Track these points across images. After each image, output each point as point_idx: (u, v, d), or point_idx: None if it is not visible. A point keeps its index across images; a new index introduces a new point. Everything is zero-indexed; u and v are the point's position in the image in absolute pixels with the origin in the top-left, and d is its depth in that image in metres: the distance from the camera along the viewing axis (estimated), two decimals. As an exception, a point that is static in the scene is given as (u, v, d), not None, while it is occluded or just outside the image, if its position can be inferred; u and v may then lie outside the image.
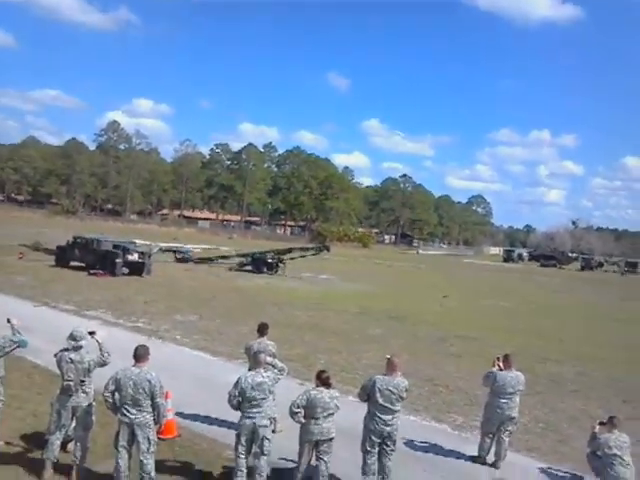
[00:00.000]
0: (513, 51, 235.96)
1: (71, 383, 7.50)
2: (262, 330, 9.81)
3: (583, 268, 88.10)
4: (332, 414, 7.83)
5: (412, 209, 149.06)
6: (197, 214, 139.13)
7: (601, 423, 8.05)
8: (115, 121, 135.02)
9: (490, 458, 9.30)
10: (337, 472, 8.08)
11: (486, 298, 34.55)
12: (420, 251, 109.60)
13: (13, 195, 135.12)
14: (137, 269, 29.91)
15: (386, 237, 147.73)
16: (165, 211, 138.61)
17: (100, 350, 7.78)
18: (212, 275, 33.92)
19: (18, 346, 3.34)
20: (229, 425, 9.31)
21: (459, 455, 9.55)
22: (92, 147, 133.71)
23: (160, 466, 7.58)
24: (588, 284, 57.28)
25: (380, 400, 7.86)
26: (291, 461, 8.17)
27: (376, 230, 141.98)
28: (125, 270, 29.59)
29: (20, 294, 21.16)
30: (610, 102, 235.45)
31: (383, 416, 7.89)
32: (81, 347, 7.68)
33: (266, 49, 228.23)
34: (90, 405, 7.68)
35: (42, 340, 13.62)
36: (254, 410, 7.54)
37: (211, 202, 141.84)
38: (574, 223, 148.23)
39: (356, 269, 48.78)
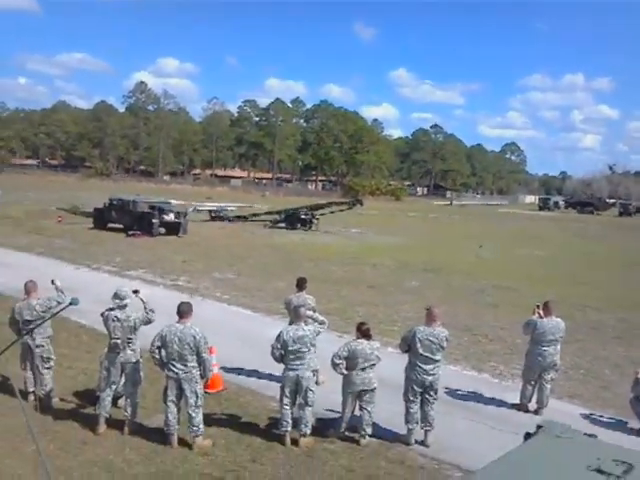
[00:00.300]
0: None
1: (118, 341, 7.72)
2: (301, 285, 9.91)
3: (621, 214, 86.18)
4: (373, 365, 7.95)
5: (444, 160, 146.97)
6: (229, 172, 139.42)
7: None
8: (142, 82, 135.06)
9: (532, 405, 9.36)
10: (380, 421, 8.23)
11: (522, 247, 34.19)
12: (454, 202, 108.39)
13: (47, 160, 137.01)
14: (174, 229, 30.29)
15: (418, 189, 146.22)
16: (197, 171, 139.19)
17: (144, 308, 7.97)
18: (247, 233, 34.16)
19: (70, 304, 3.44)
20: (272, 378, 9.53)
21: (500, 403, 9.62)
22: (121, 109, 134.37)
23: (208, 419, 7.81)
24: (626, 230, 56.20)
25: (421, 350, 7.92)
26: (335, 411, 8.33)
27: (408, 182, 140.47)
28: (162, 230, 29.99)
29: (61, 257, 21.66)
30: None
31: (424, 366, 7.97)
32: (126, 306, 7.88)
33: (290, 0, 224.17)
34: (137, 362, 7.91)
35: (86, 301, 13.88)
36: (297, 362, 7.70)
37: (242, 160, 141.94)
38: (611, 168, 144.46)
39: (389, 222, 48.61)
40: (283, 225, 38.01)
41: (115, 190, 56.22)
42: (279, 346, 7.74)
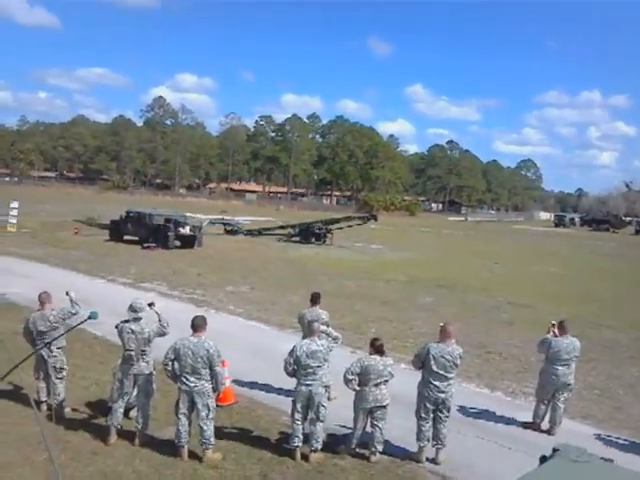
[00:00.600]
0: (559, 9, 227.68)
1: (132, 353, 7.77)
2: (314, 299, 9.92)
3: (638, 232, 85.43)
4: (386, 381, 7.94)
5: (459, 175, 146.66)
6: (244, 186, 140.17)
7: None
8: (161, 97, 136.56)
9: (545, 425, 9.27)
10: (392, 438, 8.19)
11: (537, 264, 33.99)
12: (469, 218, 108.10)
13: (65, 172, 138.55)
14: (189, 242, 30.49)
15: (433, 205, 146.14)
16: (213, 184, 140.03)
17: (159, 321, 8.02)
18: (261, 246, 34.27)
19: (90, 317, 3.48)
20: (284, 392, 9.52)
21: (512, 421, 9.54)
22: (139, 123, 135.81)
23: (219, 432, 7.83)
24: (644, 248, 55.67)
25: (434, 367, 7.90)
26: (347, 427, 8.31)
27: (423, 198, 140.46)
28: (177, 243, 30.19)
29: (77, 268, 21.83)
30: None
31: (437, 383, 7.93)
32: (141, 318, 7.93)
33: (305, 16, 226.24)
34: (151, 374, 7.95)
35: (101, 312, 14.01)
36: (309, 378, 7.70)
37: (257, 174, 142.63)
38: (627, 185, 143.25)
39: (404, 238, 48.55)
40: (297, 239, 38.07)
41: (132, 203, 56.68)
42: (292, 361, 7.76)
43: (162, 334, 7.99)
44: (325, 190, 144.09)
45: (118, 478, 6.82)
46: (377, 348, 8.06)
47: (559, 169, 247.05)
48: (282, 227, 40.33)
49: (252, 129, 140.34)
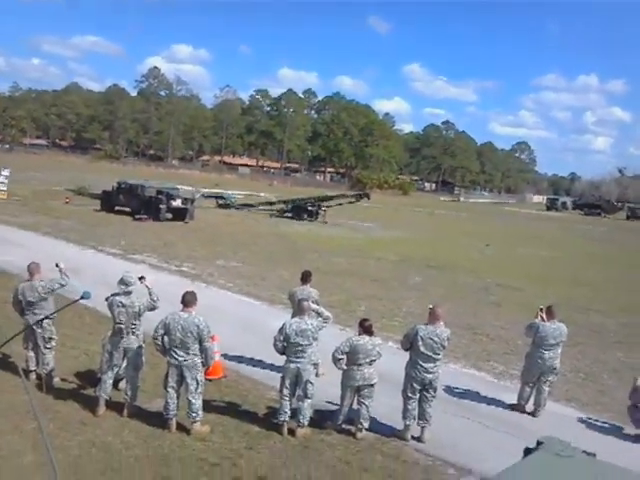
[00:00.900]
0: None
1: (122, 326, 7.79)
2: (305, 278, 9.96)
3: (629, 217, 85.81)
4: (374, 360, 8.01)
5: (454, 156, 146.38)
6: (237, 160, 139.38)
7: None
8: (156, 67, 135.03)
9: (529, 407, 9.39)
10: (378, 415, 8.28)
11: (528, 247, 34.16)
12: (461, 199, 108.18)
13: (58, 141, 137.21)
14: (180, 214, 30.38)
15: (426, 185, 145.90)
16: (206, 157, 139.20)
17: (150, 295, 8.03)
18: (253, 221, 34.24)
19: (82, 297, 3.48)
20: (273, 367, 9.60)
21: (498, 403, 9.65)
22: (133, 93, 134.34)
23: (207, 405, 7.89)
24: (634, 233, 56.05)
25: (422, 348, 7.97)
26: (334, 404, 8.39)
27: (416, 177, 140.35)
28: (169, 215, 30.08)
29: (67, 237, 21.76)
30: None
31: (425, 364, 8.01)
32: (131, 292, 7.94)
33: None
34: (140, 347, 7.99)
35: (90, 282, 14.05)
36: (298, 355, 7.76)
37: (251, 148, 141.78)
38: (621, 171, 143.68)
39: (396, 217, 48.60)
40: (289, 215, 38.03)
41: (124, 173, 56.34)
42: (282, 338, 7.81)
43: (152, 308, 8.01)
44: (319, 167, 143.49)
45: (106, 448, 6.88)
46: (366, 328, 8.11)
47: (554, 153, 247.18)
48: (274, 202, 40.27)
49: (247, 103, 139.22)
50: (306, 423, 7.81)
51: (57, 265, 8.81)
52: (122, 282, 7.96)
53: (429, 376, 8.06)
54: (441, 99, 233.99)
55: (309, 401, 7.84)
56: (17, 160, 64.21)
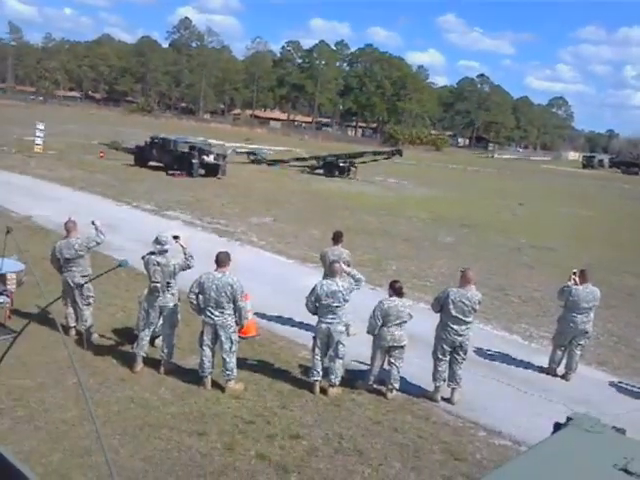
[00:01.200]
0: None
1: (158, 285, 7.93)
2: (337, 238, 9.98)
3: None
4: (405, 322, 8.06)
5: (488, 111, 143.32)
6: (268, 114, 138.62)
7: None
8: (187, 18, 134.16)
9: (560, 370, 9.39)
10: (408, 376, 8.37)
11: (562, 206, 33.64)
12: (495, 155, 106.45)
13: (90, 93, 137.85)
14: (213, 170, 30.47)
15: (460, 140, 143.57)
16: (237, 111, 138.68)
17: (184, 254, 8.13)
18: (284, 177, 34.20)
19: (120, 266, 3.53)
20: (304, 326, 9.73)
21: (529, 365, 9.67)
22: (165, 45, 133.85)
23: (241, 364, 8.05)
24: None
25: (453, 311, 7.98)
26: (365, 364, 8.50)
27: (450, 133, 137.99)
28: (201, 171, 30.20)
29: (103, 193, 22.05)
30: None
31: (455, 326, 8.04)
32: (167, 251, 8.06)
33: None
34: (176, 305, 8.14)
35: (126, 239, 14.38)
36: (329, 316, 7.85)
37: (282, 102, 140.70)
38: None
39: (428, 174, 48.12)
40: (321, 172, 37.88)
41: (156, 126, 56.56)
42: (313, 299, 7.89)
43: (187, 267, 8.12)
44: (350, 121, 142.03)
45: (144, 404, 7.10)
46: (397, 290, 8.15)
47: (591, 108, 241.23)
48: (306, 159, 40.09)
49: (278, 55, 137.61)
50: (337, 382, 7.94)
51: (93, 222, 8.94)
52: (157, 241, 8.07)
53: (459, 338, 8.10)
54: (476, 51, 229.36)
55: (340, 361, 7.95)
56: (51, 112, 64.90)
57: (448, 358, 8.18)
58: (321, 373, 7.95)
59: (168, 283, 8.00)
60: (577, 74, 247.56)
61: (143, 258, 8.14)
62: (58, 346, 7.87)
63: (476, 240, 20.38)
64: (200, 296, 7.63)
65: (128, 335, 8.85)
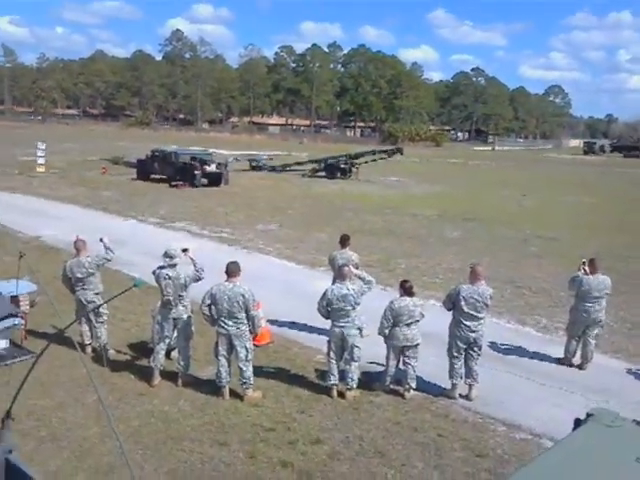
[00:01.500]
0: None
1: (170, 298, 7.98)
2: (344, 242, 10.02)
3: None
4: (417, 321, 8.09)
5: (485, 103, 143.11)
6: (266, 120, 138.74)
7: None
8: (178, 30, 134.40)
9: (576, 360, 9.39)
10: (424, 375, 8.39)
11: (566, 194, 33.57)
12: (496, 147, 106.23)
13: (88, 109, 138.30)
14: (215, 179, 30.56)
15: (459, 134, 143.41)
16: (235, 119, 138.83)
17: (194, 266, 8.17)
18: (286, 182, 34.22)
19: (135, 286, 3.56)
20: (317, 330, 9.74)
21: (544, 357, 9.68)
22: (158, 57, 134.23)
23: (257, 371, 8.08)
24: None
25: (465, 308, 8.00)
26: (380, 364, 8.52)
27: (448, 127, 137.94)
28: (204, 181, 30.28)
29: (108, 208, 22.14)
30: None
31: (468, 323, 8.06)
32: (176, 264, 8.10)
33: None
34: (189, 317, 8.19)
35: (134, 253, 14.45)
36: (342, 320, 7.89)
37: (279, 107, 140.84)
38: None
39: (430, 170, 48.09)
40: (322, 174, 37.90)
41: (156, 139, 56.73)
42: (324, 304, 7.93)
43: (198, 279, 8.16)
44: (348, 122, 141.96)
45: (165, 417, 7.14)
46: (407, 289, 8.18)
47: (588, 94, 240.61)
48: (306, 162, 40.10)
49: (272, 60, 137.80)
50: (355, 385, 7.97)
51: (101, 240, 8.99)
52: (166, 255, 8.12)
53: (473, 335, 8.12)
54: (469, 45, 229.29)
55: (356, 364, 7.98)
56: (50, 131, 65.12)
57: (463, 355, 8.20)
58: (337, 377, 7.98)
59: (180, 296, 8.04)
60: (571, 61, 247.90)
61: (154, 273, 8.19)
62: (75, 364, 7.92)
63: (482, 233, 20.37)
64: (212, 307, 7.67)
65: (144, 349, 8.90)
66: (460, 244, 18.46)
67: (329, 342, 8.06)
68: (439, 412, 7.69)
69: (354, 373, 7.98)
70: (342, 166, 37.96)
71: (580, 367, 9.28)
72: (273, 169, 39.68)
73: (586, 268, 9.34)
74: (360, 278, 8.20)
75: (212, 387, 7.82)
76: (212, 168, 30.64)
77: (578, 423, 2.83)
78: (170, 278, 7.98)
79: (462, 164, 57.13)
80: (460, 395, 8.12)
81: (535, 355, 9.74)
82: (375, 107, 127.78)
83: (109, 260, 9.10)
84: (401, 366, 8.23)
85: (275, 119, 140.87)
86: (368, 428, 7.18)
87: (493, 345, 9.87)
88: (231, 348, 7.71)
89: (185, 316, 8.12)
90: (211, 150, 37.04)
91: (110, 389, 7.69)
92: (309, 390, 8.05)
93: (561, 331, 10.36)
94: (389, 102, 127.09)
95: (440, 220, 22.96)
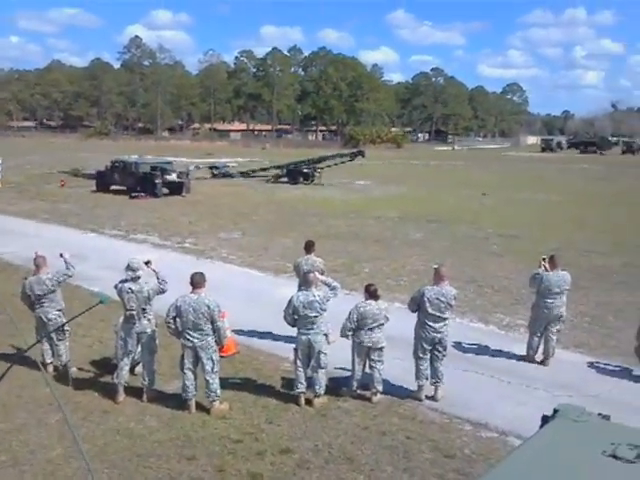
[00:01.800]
0: None
1: (134, 312, 7.88)
2: (309, 248, 10.02)
3: (624, 152, 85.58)
4: (382, 325, 8.13)
5: (445, 104, 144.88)
6: (228, 126, 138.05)
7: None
8: (137, 37, 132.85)
9: (539, 356, 9.56)
10: (391, 378, 8.44)
11: (526, 192, 34.11)
12: (455, 147, 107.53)
13: (45, 121, 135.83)
14: (177, 189, 30.24)
15: (420, 135, 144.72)
16: (196, 125, 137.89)
17: (157, 278, 8.09)
18: (249, 189, 34.08)
19: (101, 302, 3.51)
20: (283, 339, 9.70)
21: (508, 355, 9.82)
22: (117, 66, 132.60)
23: (224, 383, 8.01)
24: (631, 169, 55.91)
25: (429, 309, 8.08)
26: (346, 369, 8.54)
27: (409, 129, 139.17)
28: (165, 190, 29.95)
29: (67, 222, 21.76)
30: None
31: (433, 324, 8.14)
32: (139, 277, 8.00)
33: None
34: (153, 331, 8.10)
35: (96, 267, 14.24)
36: (308, 327, 7.90)
37: (241, 113, 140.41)
38: (614, 106, 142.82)
39: (392, 172, 48.40)
40: (285, 180, 37.89)
41: (115, 149, 55.99)
42: (290, 312, 7.92)
43: (161, 291, 8.08)
44: (310, 126, 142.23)
45: (130, 434, 7.05)
46: (372, 293, 8.23)
47: (545, 91, 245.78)
48: (269, 168, 40.02)
49: (232, 66, 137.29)
50: (322, 392, 7.98)
51: (61, 255, 8.83)
52: (129, 268, 8.02)
53: (438, 335, 8.21)
54: (428, 45, 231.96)
55: (323, 371, 7.99)
56: (6, 144, 63.66)
57: (429, 356, 8.28)
58: (305, 384, 7.97)
59: (144, 309, 7.95)
60: (529, 58, 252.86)
61: (116, 287, 8.08)
62: (37, 384, 7.78)
63: (445, 234, 20.59)
64: (178, 319, 7.60)
65: (107, 366, 8.77)
66: (423, 245, 18.64)
67: (295, 350, 8.05)
68: (406, 414, 7.75)
69: (321, 380, 7.99)
70: (304, 171, 38.00)
71: (543, 363, 9.44)
72: (235, 175, 39.43)
73: (546, 265, 9.53)
74: (326, 284, 8.22)
75: (178, 401, 7.74)
76: (173, 177, 30.33)
77: (545, 420, 2.88)
78: (133, 292, 7.88)
79: (423, 165, 57.68)
80: (426, 396, 8.19)
81: (499, 353, 9.88)
82: (336, 110, 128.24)
83: (70, 276, 8.95)
84: (367, 370, 8.26)
85: (237, 125, 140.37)
86: (337, 435, 7.19)
87: (458, 345, 9.98)
88: (197, 360, 7.64)
89: (149, 330, 8.02)
90: (171, 159, 36.64)
91: (74, 408, 7.55)
92: (276, 399, 8.03)
93: (524, 328, 10.53)
94: (350, 105, 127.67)
95: (403, 222, 23.13)
